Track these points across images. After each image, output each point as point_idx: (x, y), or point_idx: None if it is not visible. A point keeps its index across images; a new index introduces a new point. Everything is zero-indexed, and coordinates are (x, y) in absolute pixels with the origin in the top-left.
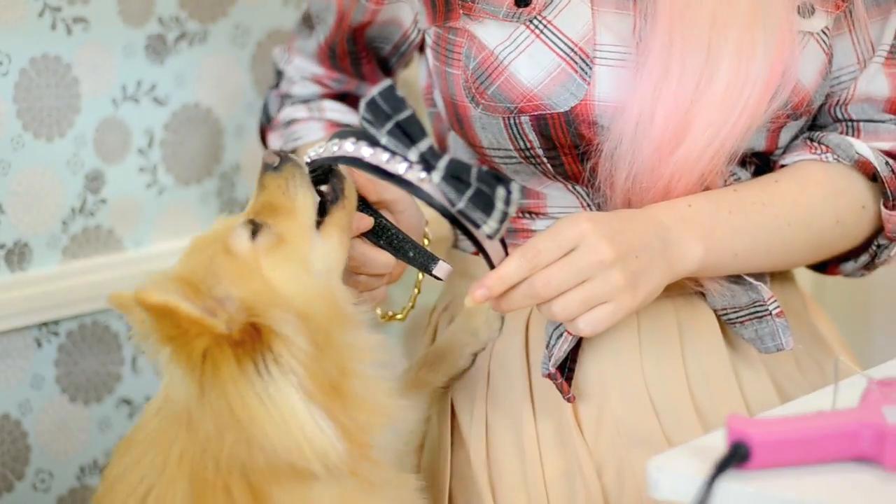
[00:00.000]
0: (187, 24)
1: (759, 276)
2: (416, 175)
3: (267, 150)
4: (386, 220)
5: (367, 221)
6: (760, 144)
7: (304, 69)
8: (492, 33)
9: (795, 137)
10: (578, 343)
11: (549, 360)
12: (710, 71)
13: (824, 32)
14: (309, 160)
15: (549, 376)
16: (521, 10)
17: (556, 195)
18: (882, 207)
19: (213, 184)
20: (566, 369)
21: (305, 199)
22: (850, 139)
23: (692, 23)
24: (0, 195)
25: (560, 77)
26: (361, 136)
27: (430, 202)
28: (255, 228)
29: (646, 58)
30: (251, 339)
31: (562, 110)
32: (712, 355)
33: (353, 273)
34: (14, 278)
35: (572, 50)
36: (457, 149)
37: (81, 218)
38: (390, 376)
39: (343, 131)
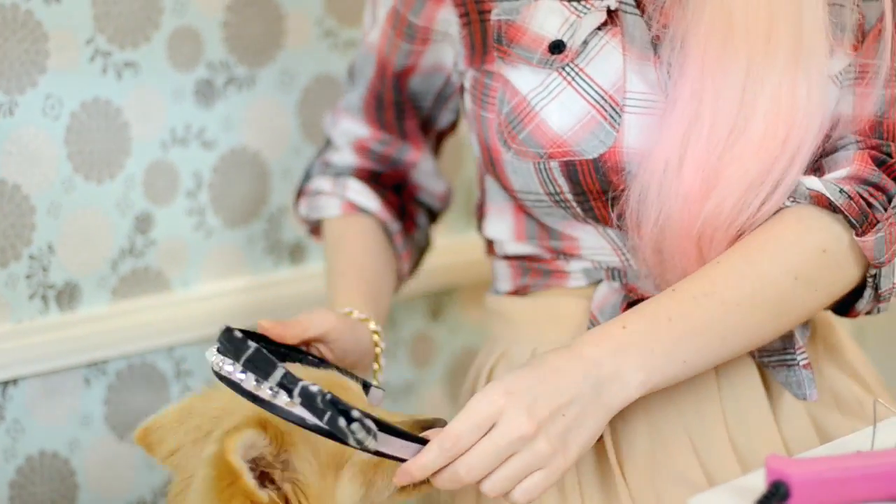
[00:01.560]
0: (235, 69)
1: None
2: (283, 399)
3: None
4: (311, 358)
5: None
6: None
7: (349, 132)
8: (525, 79)
9: None
10: None
11: None
12: (744, 120)
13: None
14: (215, 368)
15: None
16: (554, 56)
17: (588, 238)
18: (854, 237)
19: (260, 226)
20: None
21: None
22: (802, 178)
23: (726, 71)
24: (51, 236)
25: (590, 124)
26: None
27: (303, 424)
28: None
29: (674, 105)
30: None
31: (590, 157)
32: (749, 395)
33: None
34: (64, 318)
35: (602, 98)
36: (493, 192)
37: (131, 259)
38: None
39: (229, 336)
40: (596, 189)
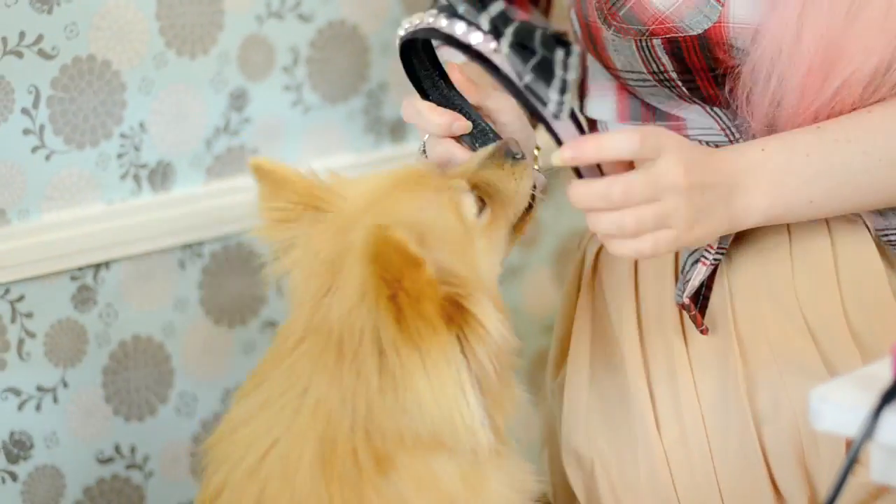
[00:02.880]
0: None
1: None
2: (489, 46)
3: (513, 139)
4: (487, 124)
5: (465, 125)
6: None
7: None
8: None
9: None
10: (714, 271)
11: (684, 290)
12: None
13: None
14: (403, 32)
15: (683, 307)
16: None
17: (695, 118)
18: None
19: (359, 102)
20: (701, 297)
21: (527, 197)
22: None
23: None
24: (143, 114)
25: None
26: (444, 8)
27: (501, 80)
28: (481, 204)
29: None
30: (454, 313)
31: (695, 33)
32: (869, 279)
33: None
34: (157, 199)
35: None
36: (594, 71)
37: (225, 137)
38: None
39: (433, 4)
40: (702, 66)
